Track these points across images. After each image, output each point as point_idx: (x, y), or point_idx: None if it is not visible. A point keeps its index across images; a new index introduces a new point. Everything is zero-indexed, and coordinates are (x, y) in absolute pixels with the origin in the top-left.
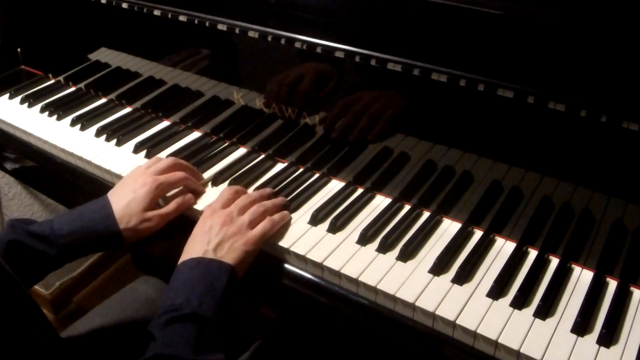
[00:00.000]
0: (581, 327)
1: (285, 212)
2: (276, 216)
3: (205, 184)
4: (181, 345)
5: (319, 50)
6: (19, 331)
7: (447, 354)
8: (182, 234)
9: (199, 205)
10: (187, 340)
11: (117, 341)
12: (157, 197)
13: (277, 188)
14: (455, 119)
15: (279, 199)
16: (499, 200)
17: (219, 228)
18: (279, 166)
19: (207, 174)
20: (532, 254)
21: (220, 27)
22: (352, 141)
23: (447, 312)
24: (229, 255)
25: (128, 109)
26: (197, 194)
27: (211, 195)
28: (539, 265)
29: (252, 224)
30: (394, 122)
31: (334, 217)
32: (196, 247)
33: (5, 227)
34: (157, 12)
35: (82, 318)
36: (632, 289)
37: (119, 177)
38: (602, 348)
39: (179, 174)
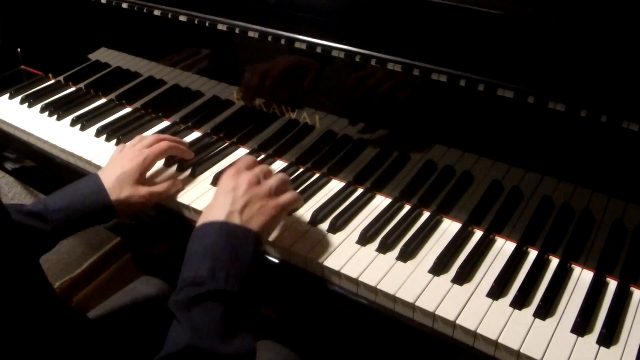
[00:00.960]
0: (581, 327)
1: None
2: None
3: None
4: (211, 334)
5: (319, 50)
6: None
7: (447, 354)
8: (181, 235)
9: (197, 204)
10: (215, 325)
11: (117, 341)
12: (146, 170)
13: None
14: (455, 119)
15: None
16: (499, 200)
17: (246, 187)
18: (279, 166)
19: (207, 174)
20: (532, 254)
21: (220, 27)
22: (351, 141)
23: (447, 312)
24: (256, 219)
25: (128, 109)
26: (185, 161)
27: (210, 196)
28: (539, 265)
29: (278, 190)
30: (394, 122)
31: (334, 217)
32: (219, 207)
33: None
34: (157, 12)
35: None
36: (632, 289)
37: None
38: (602, 348)
39: (163, 144)
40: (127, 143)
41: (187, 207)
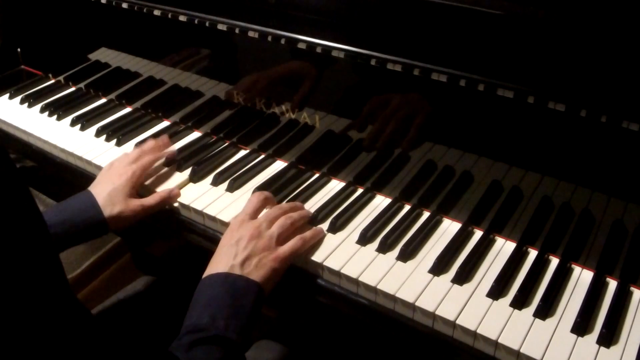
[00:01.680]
0: (581, 327)
1: (319, 227)
2: (308, 233)
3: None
4: None
5: (319, 50)
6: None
7: (447, 354)
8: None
9: (197, 204)
10: None
11: (117, 341)
12: (136, 184)
13: (277, 188)
14: (455, 119)
15: (305, 211)
16: (499, 200)
17: (246, 242)
18: (279, 166)
19: (207, 174)
20: (532, 254)
21: (220, 27)
22: (352, 141)
23: (447, 312)
24: (257, 272)
25: (128, 109)
26: (165, 174)
27: (210, 196)
28: (539, 265)
29: (281, 237)
30: (395, 122)
31: (334, 217)
32: (222, 260)
33: None
34: (157, 12)
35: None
36: (632, 289)
37: None
38: (602, 348)
39: (146, 160)
40: (115, 160)
41: (187, 207)
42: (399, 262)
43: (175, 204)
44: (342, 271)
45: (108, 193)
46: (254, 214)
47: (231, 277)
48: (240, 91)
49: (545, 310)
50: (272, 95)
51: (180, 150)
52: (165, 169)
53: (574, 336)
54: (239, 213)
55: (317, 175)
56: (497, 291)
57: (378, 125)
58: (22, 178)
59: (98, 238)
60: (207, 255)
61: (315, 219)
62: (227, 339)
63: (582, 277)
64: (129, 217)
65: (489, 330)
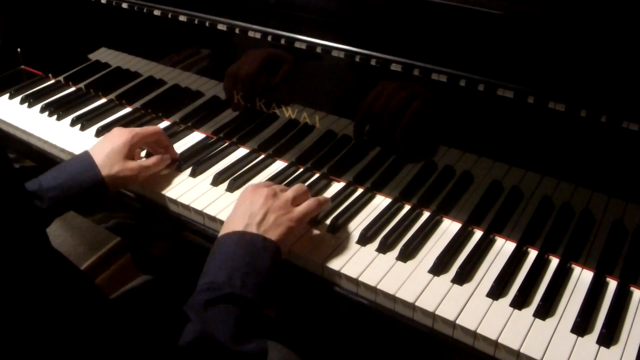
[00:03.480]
0: (581, 327)
1: (327, 197)
2: (321, 197)
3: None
4: (223, 332)
5: (319, 50)
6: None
7: (447, 354)
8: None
9: (197, 204)
10: (228, 325)
11: (117, 341)
12: (135, 147)
13: None
14: (455, 119)
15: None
16: (499, 200)
17: (263, 201)
18: (279, 166)
19: (207, 174)
20: (532, 254)
21: (220, 27)
22: (352, 141)
23: (447, 312)
24: (273, 230)
25: (128, 109)
26: (165, 174)
27: (210, 196)
28: (539, 265)
29: (296, 201)
30: (395, 122)
31: (335, 217)
32: (238, 220)
33: None
34: (157, 12)
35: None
36: (632, 289)
37: None
38: (602, 348)
39: (153, 128)
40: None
41: (187, 207)
42: (399, 262)
43: (175, 204)
44: (342, 271)
45: (106, 153)
46: (268, 185)
47: (248, 235)
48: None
49: (545, 310)
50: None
51: (181, 150)
52: (166, 170)
53: (574, 336)
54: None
55: (317, 175)
56: (497, 291)
57: (377, 125)
58: (15, 172)
59: (97, 238)
60: (207, 255)
61: (315, 219)
62: (244, 298)
63: (582, 277)
64: (127, 177)
65: (489, 330)
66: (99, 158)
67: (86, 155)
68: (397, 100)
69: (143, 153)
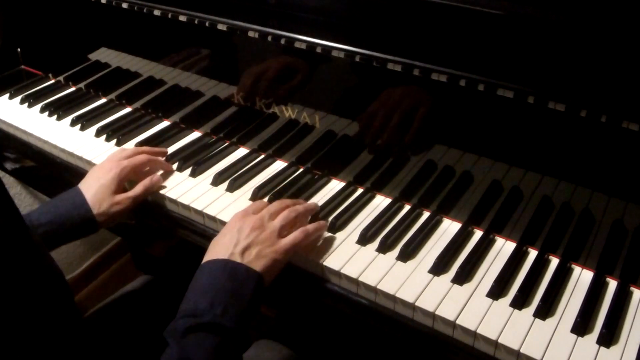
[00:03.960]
0: (581, 327)
1: (322, 222)
2: (310, 226)
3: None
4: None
5: (319, 50)
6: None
7: (447, 354)
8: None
9: (197, 204)
10: (206, 354)
11: (117, 341)
12: (124, 180)
13: (277, 188)
14: (455, 119)
15: (312, 204)
16: (499, 200)
17: (248, 231)
18: (279, 166)
19: (207, 174)
20: (532, 254)
21: (220, 27)
22: (353, 142)
23: (447, 312)
24: (257, 261)
25: (128, 109)
26: (165, 173)
27: (210, 196)
28: (539, 265)
29: (283, 230)
30: (395, 122)
31: (334, 217)
32: (223, 247)
33: None
34: (157, 12)
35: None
36: (632, 289)
37: None
38: (602, 348)
39: (141, 156)
40: (111, 154)
41: (187, 207)
42: (399, 262)
43: (175, 204)
44: (342, 271)
45: (96, 190)
46: (257, 211)
47: (231, 263)
48: (241, 89)
49: (545, 310)
50: (268, 90)
51: (180, 150)
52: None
53: (574, 336)
54: (243, 209)
55: (317, 175)
56: (497, 291)
57: (377, 125)
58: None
59: (97, 238)
60: None
61: (315, 219)
62: (223, 327)
63: (582, 277)
64: (117, 212)
65: (489, 330)
66: (89, 195)
67: (77, 192)
68: (398, 102)
69: None
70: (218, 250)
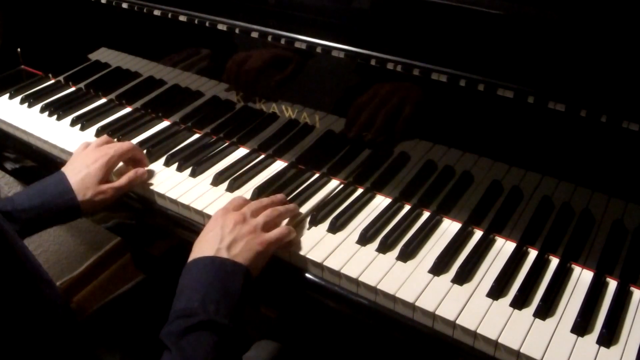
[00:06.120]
0: (581, 327)
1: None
2: (291, 227)
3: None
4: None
5: (319, 50)
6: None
7: (447, 354)
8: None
9: (197, 204)
10: (206, 353)
11: (117, 341)
12: (110, 170)
13: (277, 188)
14: (455, 119)
15: (292, 205)
16: (499, 200)
17: (232, 226)
18: (279, 166)
19: (207, 174)
20: (532, 254)
21: (220, 27)
22: (351, 141)
23: (447, 312)
24: (243, 255)
25: (128, 109)
26: (144, 164)
27: (210, 196)
28: (539, 265)
29: (267, 226)
30: (395, 122)
31: (334, 217)
32: (208, 245)
33: None
34: (157, 12)
35: (83, 319)
36: (632, 289)
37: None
38: (602, 348)
39: (126, 145)
40: (92, 142)
41: (187, 207)
42: (399, 262)
43: (175, 204)
44: (342, 271)
45: (82, 178)
46: (237, 208)
47: (218, 260)
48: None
49: (545, 310)
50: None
51: (180, 150)
52: (165, 169)
53: (574, 336)
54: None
55: (317, 175)
56: (497, 291)
57: (377, 126)
58: None
59: (97, 238)
60: None
61: (315, 218)
62: (219, 324)
63: (582, 277)
64: (101, 200)
65: (489, 330)
66: (74, 181)
67: (61, 177)
68: (397, 101)
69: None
70: (203, 248)
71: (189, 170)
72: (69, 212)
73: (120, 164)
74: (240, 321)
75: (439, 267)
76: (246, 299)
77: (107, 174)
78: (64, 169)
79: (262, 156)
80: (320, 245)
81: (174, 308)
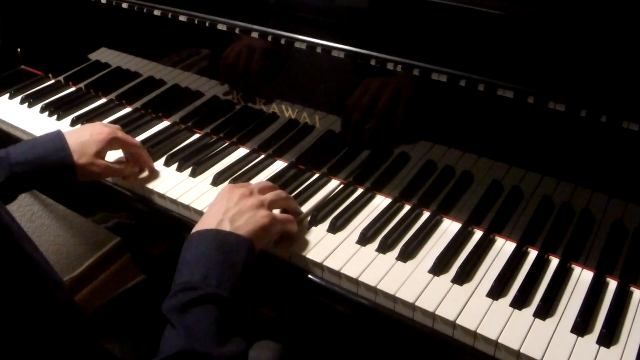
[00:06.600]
0: (581, 327)
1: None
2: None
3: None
4: (205, 336)
5: (319, 50)
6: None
7: (447, 354)
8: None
9: (197, 204)
10: (209, 327)
11: (117, 341)
12: (109, 148)
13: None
14: (455, 119)
15: (298, 208)
16: (499, 200)
17: (237, 199)
18: (279, 166)
19: (207, 174)
20: (532, 254)
21: (220, 27)
22: (351, 141)
23: (447, 312)
24: (247, 227)
25: (128, 109)
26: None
27: (210, 196)
28: (539, 265)
29: (273, 205)
30: (394, 122)
31: (334, 217)
32: (211, 216)
33: None
34: (157, 12)
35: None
36: (632, 289)
37: None
38: (602, 348)
39: (135, 140)
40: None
41: (187, 207)
42: (399, 262)
43: (175, 204)
44: (342, 271)
45: (81, 142)
46: (245, 186)
47: (221, 233)
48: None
49: (545, 310)
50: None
51: (180, 150)
52: (165, 169)
53: (574, 336)
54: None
55: (317, 175)
56: (497, 291)
57: (377, 125)
58: None
59: (97, 238)
60: None
61: (315, 218)
62: (221, 297)
63: (582, 277)
64: (92, 172)
65: (489, 330)
66: (72, 142)
67: (60, 135)
68: (396, 101)
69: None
70: (207, 219)
71: (189, 170)
72: (63, 172)
73: (121, 154)
74: (240, 296)
75: (439, 267)
76: (249, 272)
77: (104, 151)
78: (65, 131)
79: (262, 156)
80: (320, 245)
81: (176, 281)
